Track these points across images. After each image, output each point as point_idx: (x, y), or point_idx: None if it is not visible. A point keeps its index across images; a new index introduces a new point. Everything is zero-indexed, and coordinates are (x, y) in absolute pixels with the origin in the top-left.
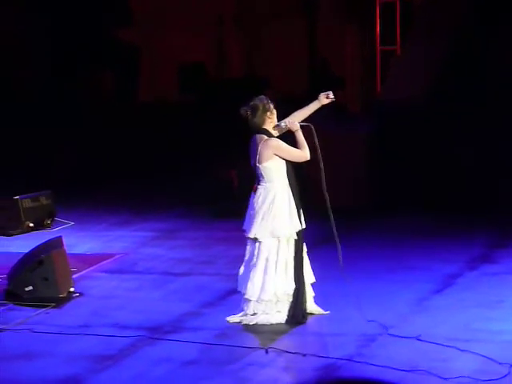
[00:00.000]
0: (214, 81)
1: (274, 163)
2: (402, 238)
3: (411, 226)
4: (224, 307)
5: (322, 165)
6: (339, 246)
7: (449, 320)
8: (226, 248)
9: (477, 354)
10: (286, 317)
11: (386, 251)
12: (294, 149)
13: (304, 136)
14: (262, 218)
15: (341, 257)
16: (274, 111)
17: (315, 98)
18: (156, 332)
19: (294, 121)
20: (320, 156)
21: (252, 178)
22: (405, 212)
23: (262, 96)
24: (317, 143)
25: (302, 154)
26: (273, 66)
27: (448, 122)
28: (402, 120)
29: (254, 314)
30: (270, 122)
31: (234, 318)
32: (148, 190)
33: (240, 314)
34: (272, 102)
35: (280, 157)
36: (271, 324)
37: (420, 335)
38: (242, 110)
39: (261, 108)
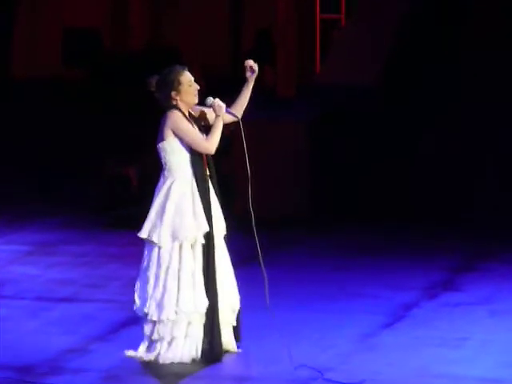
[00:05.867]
0: (110, 52)
1: (173, 143)
2: (345, 257)
3: (358, 242)
4: (116, 342)
5: (249, 172)
6: (264, 269)
7: (400, 362)
8: (121, 267)
9: None
10: (201, 350)
11: (324, 273)
12: (198, 133)
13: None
14: (156, 215)
15: (266, 282)
16: (192, 86)
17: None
18: (28, 373)
19: (224, 105)
20: (247, 161)
21: (157, 176)
22: (352, 224)
23: (178, 66)
24: (245, 145)
25: (206, 142)
26: (186, 36)
27: (404, 113)
28: (347, 110)
29: (160, 339)
30: (186, 98)
31: (131, 352)
32: (22, 192)
33: (142, 346)
34: (193, 73)
35: (178, 137)
36: (179, 362)
37: (364, 381)
38: (150, 80)
39: (173, 81)
